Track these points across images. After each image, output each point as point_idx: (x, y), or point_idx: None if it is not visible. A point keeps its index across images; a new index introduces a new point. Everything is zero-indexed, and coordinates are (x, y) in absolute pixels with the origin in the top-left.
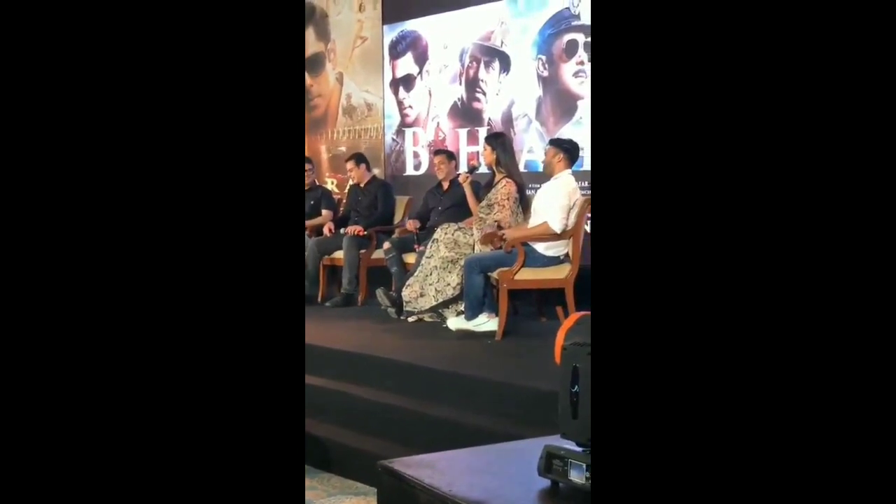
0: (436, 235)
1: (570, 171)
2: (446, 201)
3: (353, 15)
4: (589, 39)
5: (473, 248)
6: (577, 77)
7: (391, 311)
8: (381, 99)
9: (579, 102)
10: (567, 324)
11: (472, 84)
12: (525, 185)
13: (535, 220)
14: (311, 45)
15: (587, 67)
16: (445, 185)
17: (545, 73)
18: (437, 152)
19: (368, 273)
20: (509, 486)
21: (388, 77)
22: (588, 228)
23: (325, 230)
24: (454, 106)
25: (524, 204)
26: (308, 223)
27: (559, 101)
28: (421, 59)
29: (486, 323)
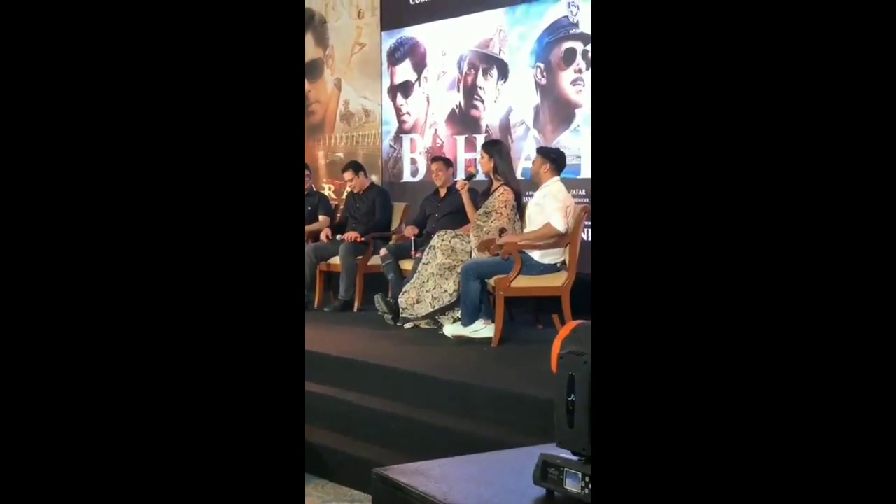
0: (433, 242)
1: (559, 178)
2: (443, 208)
3: (351, 21)
4: (587, 48)
5: (470, 255)
6: (575, 85)
7: (388, 317)
8: (379, 105)
9: (577, 110)
10: (563, 332)
11: (470, 91)
12: (522, 193)
13: (529, 228)
14: (310, 50)
15: (585, 76)
16: (443, 191)
17: (543, 81)
18: (434, 159)
19: (365, 279)
20: (504, 494)
21: (386, 83)
22: (585, 236)
23: (323, 236)
24: (452, 113)
25: (521, 211)
26: (305, 229)
27: (557, 109)
28: (419, 66)
29: (482, 330)
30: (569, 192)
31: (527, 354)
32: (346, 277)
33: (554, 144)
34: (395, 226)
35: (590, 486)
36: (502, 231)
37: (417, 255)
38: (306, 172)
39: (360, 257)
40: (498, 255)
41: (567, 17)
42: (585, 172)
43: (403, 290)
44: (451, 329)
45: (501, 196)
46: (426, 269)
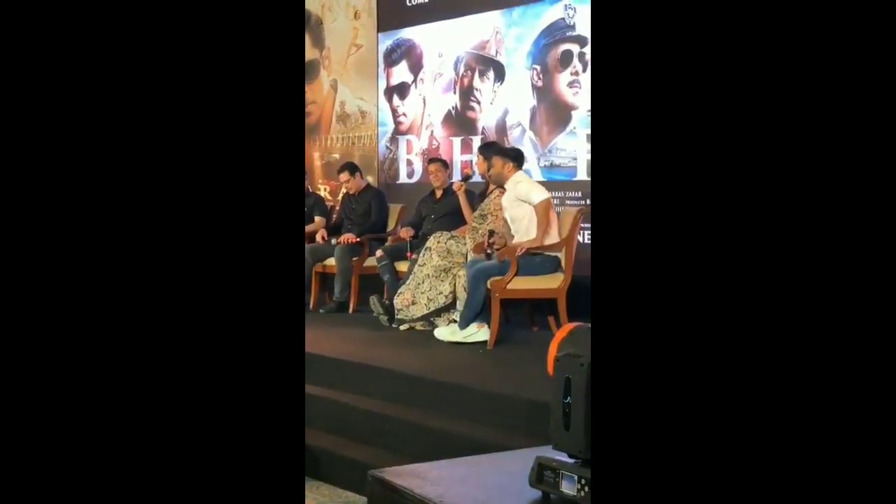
0: (428, 244)
1: (521, 171)
2: (439, 210)
3: (348, 22)
4: (583, 50)
5: (466, 257)
6: (572, 87)
7: (383, 318)
8: (376, 106)
9: (573, 113)
10: (560, 335)
11: (467, 93)
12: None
13: (516, 223)
14: (306, 51)
15: (581, 78)
16: (439, 193)
17: (539, 83)
18: (431, 160)
19: (360, 281)
20: (500, 496)
21: (382, 85)
22: (581, 238)
23: (318, 237)
24: (448, 114)
25: None
26: None
27: (553, 111)
28: (415, 68)
29: (476, 333)
30: (564, 194)
31: (522, 356)
32: (342, 279)
33: (550, 146)
34: (390, 227)
35: (586, 488)
36: (492, 233)
37: (413, 256)
38: None
39: (355, 259)
40: (490, 255)
41: (563, 19)
42: (581, 175)
43: (399, 291)
44: (442, 333)
45: (497, 199)
46: (421, 270)
